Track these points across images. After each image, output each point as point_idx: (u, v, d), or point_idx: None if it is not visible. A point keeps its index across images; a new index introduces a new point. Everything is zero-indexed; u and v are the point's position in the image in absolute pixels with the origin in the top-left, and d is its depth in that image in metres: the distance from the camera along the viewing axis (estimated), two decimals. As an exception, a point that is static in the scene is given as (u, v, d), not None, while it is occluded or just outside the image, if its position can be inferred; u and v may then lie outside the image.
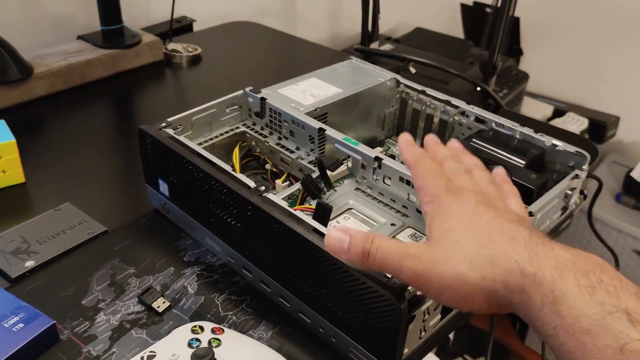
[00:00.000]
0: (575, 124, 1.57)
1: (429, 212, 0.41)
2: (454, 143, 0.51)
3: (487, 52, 0.93)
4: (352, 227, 0.53)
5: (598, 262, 0.34)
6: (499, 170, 0.49)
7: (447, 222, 0.39)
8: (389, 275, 0.42)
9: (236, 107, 0.66)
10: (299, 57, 1.11)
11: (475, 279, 0.36)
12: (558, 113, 1.66)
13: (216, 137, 0.64)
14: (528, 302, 0.34)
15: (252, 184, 0.50)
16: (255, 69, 1.02)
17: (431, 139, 0.51)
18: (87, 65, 0.87)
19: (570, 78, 1.76)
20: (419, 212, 0.54)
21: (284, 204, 0.48)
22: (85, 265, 0.55)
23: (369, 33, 1.03)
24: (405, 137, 0.48)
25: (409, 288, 0.41)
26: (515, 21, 1.66)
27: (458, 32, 1.74)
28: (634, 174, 1.53)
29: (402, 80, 0.72)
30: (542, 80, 1.75)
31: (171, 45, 1.00)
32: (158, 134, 0.57)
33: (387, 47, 1.38)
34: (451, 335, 1.48)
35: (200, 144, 0.62)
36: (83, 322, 0.50)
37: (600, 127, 1.61)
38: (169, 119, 0.59)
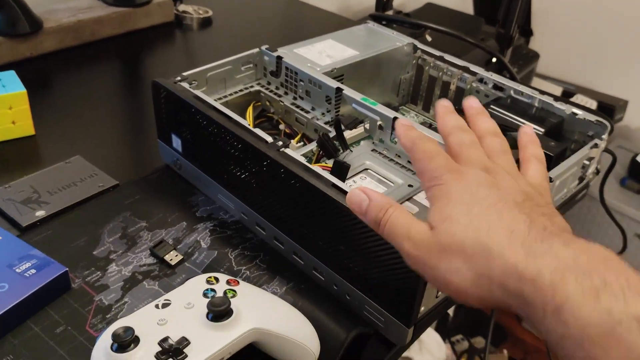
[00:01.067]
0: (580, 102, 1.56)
1: (429, 196, 0.38)
2: (470, 102, 0.46)
3: (503, 28, 0.92)
4: (370, 188, 0.52)
5: (603, 257, 0.30)
6: (527, 129, 0.45)
7: (445, 208, 0.36)
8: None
9: (251, 65, 0.65)
10: (311, 23, 1.10)
11: (471, 277, 0.33)
12: (566, 95, 1.64)
13: (230, 94, 0.63)
14: (529, 308, 0.31)
15: (269, 139, 0.49)
16: (267, 33, 1.00)
17: (442, 105, 0.45)
18: (97, 22, 0.86)
19: (579, 60, 1.74)
20: (437, 174, 0.53)
21: (302, 159, 0.48)
22: (96, 218, 0.54)
23: (384, 2, 1.02)
24: (402, 122, 0.44)
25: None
26: (527, 1, 1.64)
27: (468, 8, 1.71)
28: (639, 158, 1.52)
29: (419, 45, 0.70)
30: (552, 62, 1.73)
31: (182, 7, 0.99)
32: (173, 87, 0.56)
33: (398, 20, 1.36)
34: (451, 312, 1.48)
35: (214, 100, 0.61)
36: (95, 271, 0.49)
37: (608, 111, 1.60)
38: (184, 73, 0.58)
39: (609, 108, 1.61)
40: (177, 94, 0.55)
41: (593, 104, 1.58)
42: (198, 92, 0.55)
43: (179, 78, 0.57)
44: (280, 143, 0.49)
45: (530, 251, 0.31)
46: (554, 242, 0.32)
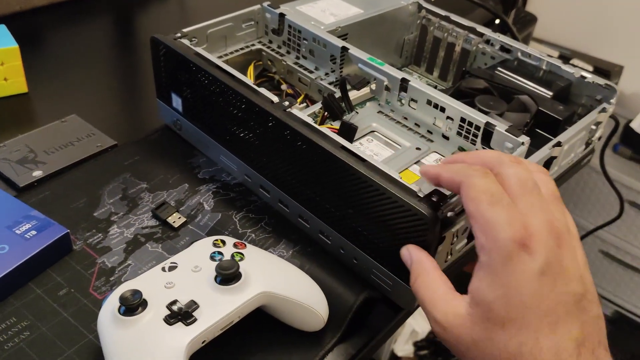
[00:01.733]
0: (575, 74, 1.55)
1: (482, 263, 0.33)
2: (490, 151, 0.40)
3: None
4: (376, 149, 0.51)
5: None
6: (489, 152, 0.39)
7: (495, 302, 0.32)
8: (421, 195, 0.40)
9: (252, 22, 0.62)
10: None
11: None
12: (562, 59, 1.63)
13: (231, 53, 0.61)
14: None
15: (275, 99, 0.48)
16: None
17: (459, 154, 0.40)
18: (88, -24, 0.82)
19: (576, 25, 1.72)
20: (445, 137, 0.52)
21: (310, 120, 0.46)
22: (96, 178, 0.53)
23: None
24: (429, 165, 0.39)
25: (442, 208, 0.40)
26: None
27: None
28: (633, 125, 1.52)
29: (424, 4, 0.68)
30: (548, 26, 1.71)
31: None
32: (173, 43, 0.54)
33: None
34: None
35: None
36: (96, 233, 0.48)
37: (603, 76, 1.59)
38: (184, 30, 0.56)
39: (605, 73, 1.60)
40: (178, 51, 0.53)
41: (589, 69, 1.57)
42: (199, 50, 0.53)
43: (178, 34, 0.55)
44: (287, 103, 0.48)
45: None
46: None
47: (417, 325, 1.34)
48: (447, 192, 0.42)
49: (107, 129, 0.59)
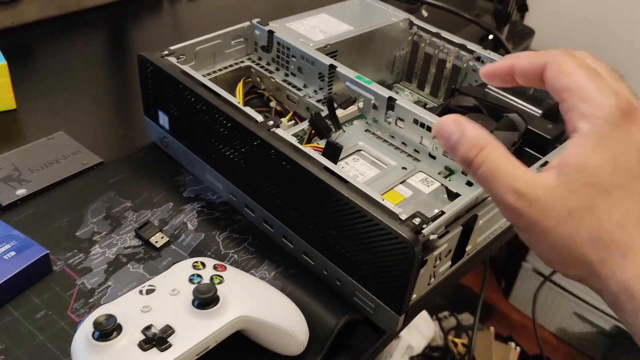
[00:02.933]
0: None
1: (584, 133, 0.29)
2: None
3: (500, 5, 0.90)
4: (362, 169, 0.51)
5: None
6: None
7: (599, 170, 0.29)
8: (403, 217, 0.40)
9: (242, 39, 0.62)
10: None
11: (592, 258, 0.29)
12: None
13: (219, 70, 0.61)
14: (632, 303, 0.28)
15: (260, 118, 0.48)
16: (261, 4, 0.97)
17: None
18: (81, -9, 0.82)
19: (573, 37, 1.72)
20: (432, 156, 0.51)
21: (294, 140, 0.46)
22: (80, 197, 0.53)
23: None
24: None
25: (424, 231, 0.40)
26: (524, -25, 1.61)
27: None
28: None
29: (415, 21, 0.68)
30: (546, 38, 1.71)
31: (170, -24, 0.95)
32: (160, 61, 0.53)
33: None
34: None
35: (203, 76, 0.59)
36: (77, 254, 0.47)
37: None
38: (172, 47, 0.56)
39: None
40: (164, 69, 0.52)
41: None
42: (186, 67, 0.53)
43: (166, 52, 0.55)
44: (271, 122, 0.47)
45: None
46: None
47: (412, 339, 1.33)
48: (430, 215, 0.41)
49: (94, 146, 0.59)
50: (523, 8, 1.72)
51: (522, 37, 1.50)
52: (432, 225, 0.40)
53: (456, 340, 1.38)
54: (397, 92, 0.70)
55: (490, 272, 1.96)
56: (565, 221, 0.29)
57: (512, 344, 1.49)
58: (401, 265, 0.40)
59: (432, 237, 0.41)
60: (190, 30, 0.90)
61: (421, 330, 1.35)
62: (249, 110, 0.48)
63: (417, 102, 0.69)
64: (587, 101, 0.30)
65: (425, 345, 1.37)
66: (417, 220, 0.40)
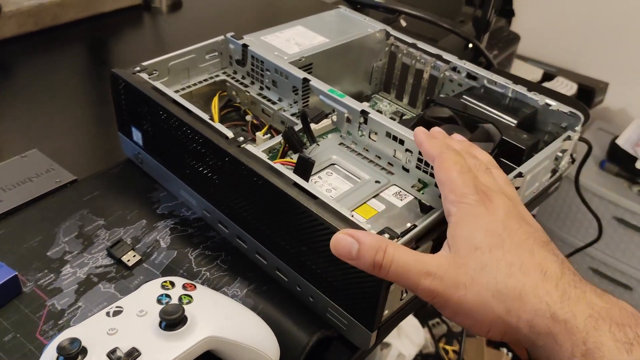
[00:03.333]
0: (564, 88, 1.55)
1: (454, 214, 0.37)
2: (459, 136, 0.48)
3: (480, 11, 0.90)
4: (335, 183, 0.50)
5: (632, 313, 0.32)
6: (458, 137, 0.47)
7: (475, 236, 0.35)
8: (372, 233, 0.40)
9: (216, 53, 0.62)
10: (286, 4, 1.07)
11: (499, 311, 0.33)
12: (547, 77, 1.63)
13: (194, 84, 0.61)
14: (555, 347, 0.32)
15: (230, 134, 0.47)
16: (240, 16, 0.97)
17: (439, 130, 0.47)
18: (59, 5, 0.82)
19: (561, 42, 1.73)
20: (405, 169, 0.51)
21: (264, 156, 0.46)
22: (52, 215, 0.52)
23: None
24: (421, 130, 0.45)
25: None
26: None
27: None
28: (619, 141, 1.52)
29: (392, 32, 0.68)
30: (533, 43, 1.72)
31: (150, -11, 0.95)
32: (131, 78, 0.53)
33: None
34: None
35: (177, 91, 0.59)
36: (48, 274, 0.47)
37: (588, 93, 1.59)
38: (144, 63, 0.56)
39: (589, 90, 1.60)
40: (135, 86, 0.52)
41: (573, 87, 1.57)
42: (157, 84, 0.53)
43: (137, 68, 0.55)
44: (242, 139, 0.47)
45: (564, 295, 0.33)
46: (587, 290, 0.33)
47: (403, 347, 1.32)
48: (399, 230, 0.41)
49: (70, 163, 0.58)
50: (509, 13, 1.72)
51: (507, 43, 1.51)
52: (401, 241, 0.40)
53: (447, 347, 1.38)
54: (375, 103, 0.70)
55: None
56: (470, 286, 0.34)
57: (504, 350, 1.49)
58: (370, 283, 0.40)
59: (402, 251, 0.40)
60: (171, 42, 0.90)
61: (412, 338, 1.34)
62: (219, 126, 0.48)
63: (395, 113, 0.69)
64: (454, 191, 0.38)
65: (416, 353, 1.36)
66: (385, 237, 0.40)
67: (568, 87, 1.56)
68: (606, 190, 1.48)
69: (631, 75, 1.63)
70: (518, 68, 1.63)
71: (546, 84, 1.59)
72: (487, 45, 1.41)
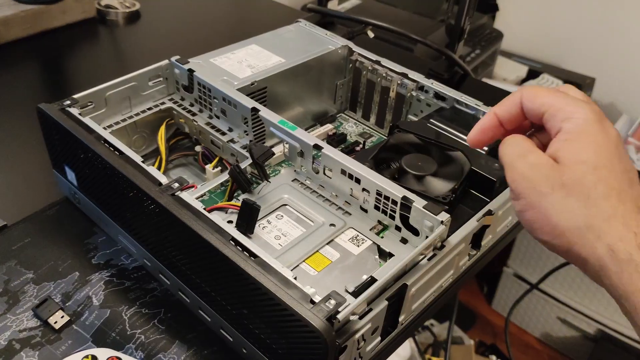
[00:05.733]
0: (549, 86, 1.50)
1: (568, 130, 0.34)
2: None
3: (453, 13, 0.85)
4: (285, 228, 0.46)
5: None
6: None
7: (585, 151, 0.34)
8: (316, 300, 0.35)
9: (161, 79, 0.57)
10: (251, 14, 1.01)
11: (580, 224, 0.33)
12: (532, 74, 1.58)
13: (137, 114, 0.55)
14: (635, 275, 0.31)
15: (164, 180, 0.42)
16: (201, 28, 0.92)
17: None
18: (3, 23, 0.76)
19: (546, 37, 1.68)
20: (364, 210, 0.47)
21: (199, 206, 0.41)
22: (-24, 270, 0.47)
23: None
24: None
25: (338, 316, 0.35)
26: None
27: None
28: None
29: (355, 48, 0.63)
30: (518, 39, 1.67)
31: (105, 0, 0.89)
32: (59, 115, 0.48)
33: (352, 2, 1.27)
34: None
35: (117, 122, 0.54)
36: (-36, 342, 0.42)
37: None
38: (76, 96, 0.51)
39: (576, 86, 1.55)
40: (62, 123, 0.47)
41: (559, 84, 1.52)
42: (87, 120, 0.48)
43: (67, 102, 0.50)
44: (176, 185, 0.42)
45: None
46: None
47: None
48: (353, 286, 0.36)
49: (0, 205, 0.53)
50: (493, 7, 1.67)
51: (490, 41, 1.46)
52: (350, 306, 0.35)
53: (433, 358, 1.34)
54: (340, 124, 0.66)
55: (472, 278, 1.92)
56: (559, 189, 0.33)
57: (493, 357, 1.45)
58: (316, 354, 0.35)
59: (352, 318, 0.36)
60: (130, 57, 0.84)
61: (397, 351, 1.30)
62: (152, 170, 0.43)
63: (361, 134, 0.64)
64: (567, 107, 0.35)
65: None
66: (331, 303, 0.35)
67: (554, 85, 1.52)
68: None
69: (618, 70, 1.59)
70: (502, 66, 1.58)
71: (531, 82, 1.54)
72: (468, 43, 1.37)
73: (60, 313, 0.44)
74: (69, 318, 0.44)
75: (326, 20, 0.84)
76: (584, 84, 1.56)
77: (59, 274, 0.47)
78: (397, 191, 0.43)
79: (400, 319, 0.41)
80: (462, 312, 1.81)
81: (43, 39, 0.81)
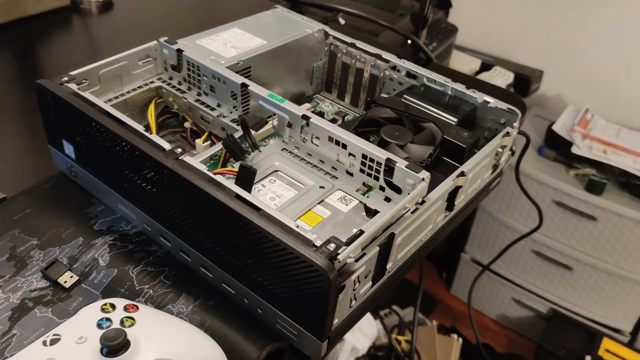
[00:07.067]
0: (501, 78, 1.59)
1: None
2: None
3: (417, 3, 0.90)
4: (279, 191, 0.49)
5: None
6: None
7: None
8: (317, 244, 0.39)
9: (150, 59, 0.60)
10: (222, 3, 1.04)
11: None
12: (485, 67, 1.66)
13: (128, 92, 0.58)
14: None
15: (167, 146, 0.46)
16: (175, 16, 0.94)
17: None
18: (-20, 10, 0.78)
19: (497, 31, 1.77)
20: (349, 173, 0.51)
21: (203, 168, 0.44)
22: (-20, 238, 0.49)
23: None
24: None
25: (339, 257, 0.39)
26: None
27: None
28: (555, 127, 1.57)
29: (330, 32, 0.68)
30: (471, 34, 1.75)
31: (79, -11, 0.91)
32: (59, 89, 0.50)
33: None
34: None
35: (109, 100, 0.56)
36: (-23, 302, 0.44)
37: (524, 81, 1.64)
38: (72, 73, 0.53)
39: (526, 79, 1.64)
40: (63, 97, 0.50)
41: (510, 76, 1.61)
42: (87, 94, 0.50)
43: (65, 78, 0.52)
44: (179, 150, 0.46)
45: None
46: None
47: (356, 341, 1.33)
48: (345, 237, 0.40)
49: (-2, 179, 0.55)
50: (446, 4, 1.75)
51: (446, 35, 1.53)
52: (348, 249, 0.39)
53: (399, 337, 1.39)
54: (317, 104, 0.70)
55: (431, 264, 1.99)
56: None
57: (455, 336, 1.52)
58: (318, 293, 0.39)
59: (349, 260, 0.40)
60: (103, 45, 0.86)
61: (364, 331, 1.35)
62: (155, 138, 0.46)
63: (337, 113, 0.68)
64: None
65: (369, 345, 1.38)
66: (331, 246, 0.39)
67: (505, 77, 1.60)
68: (545, 175, 1.52)
69: (564, 62, 1.69)
70: (457, 59, 1.66)
71: (484, 74, 1.62)
72: (426, 37, 1.43)
73: (69, 273, 0.47)
74: (78, 278, 0.47)
75: (298, 8, 0.88)
76: (533, 76, 1.65)
77: (63, 240, 0.50)
78: (381, 153, 0.48)
79: (388, 266, 0.46)
80: (423, 297, 1.89)
81: (17, 27, 0.82)
